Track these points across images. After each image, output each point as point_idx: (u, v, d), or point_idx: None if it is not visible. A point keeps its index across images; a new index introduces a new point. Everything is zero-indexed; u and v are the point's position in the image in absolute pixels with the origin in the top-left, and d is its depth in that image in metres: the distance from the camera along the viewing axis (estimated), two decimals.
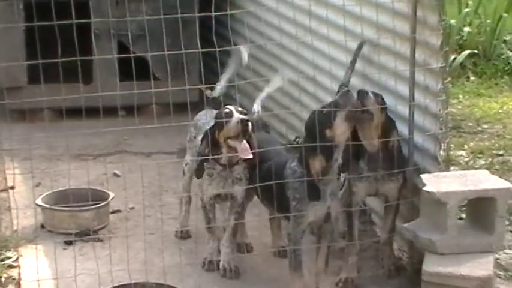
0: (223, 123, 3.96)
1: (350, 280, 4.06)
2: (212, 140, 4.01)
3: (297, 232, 3.82)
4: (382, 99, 4.02)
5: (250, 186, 4.00)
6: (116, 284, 3.77)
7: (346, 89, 4.12)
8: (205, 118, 4.42)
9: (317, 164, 3.72)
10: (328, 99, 5.04)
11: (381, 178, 4.01)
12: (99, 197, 4.71)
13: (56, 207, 4.65)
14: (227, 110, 4.05)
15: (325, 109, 3.78)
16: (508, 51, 7.71)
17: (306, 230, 3.88)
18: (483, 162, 5.56)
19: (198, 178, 4.13)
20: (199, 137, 4.24)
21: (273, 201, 3.93)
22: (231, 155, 3.98)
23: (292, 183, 3.79)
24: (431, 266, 3.67)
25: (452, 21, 7.71)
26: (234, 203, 4.17)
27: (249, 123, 3.97)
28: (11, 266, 4.25)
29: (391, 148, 3.97)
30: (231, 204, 4.19)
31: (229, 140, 3.98)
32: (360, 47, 4.51)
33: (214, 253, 4.20)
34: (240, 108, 4.07)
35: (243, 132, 3.95)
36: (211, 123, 4.11)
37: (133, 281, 3.81)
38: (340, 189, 4.16)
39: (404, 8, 4.15)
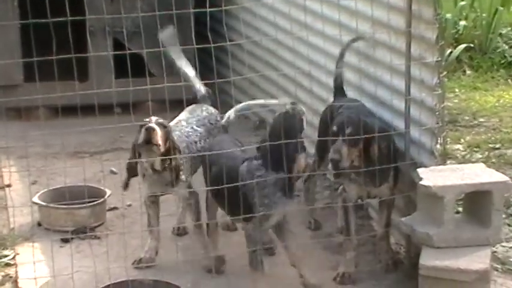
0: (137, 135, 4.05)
1: (347, 275, 4.07)
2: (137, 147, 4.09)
3: (257, 233, 3.81)
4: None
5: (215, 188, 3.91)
6: (113, 281, 3.77)
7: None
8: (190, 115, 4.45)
9: (302, 161, 3.72)
10: (324, 94, 5.05)
11: (371, 183, 4.01)
12: (96, 194, 4.70)
13: (53, 205, 4.64)
14: (142, 123, 4.11)
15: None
16: (504, 45, 7.71)
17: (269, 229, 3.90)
18: (480, 156, 5.57)
19: (129, 178, 4.18)
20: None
21: (225, 205, 3.88)
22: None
23: (259, 187, 3.74)
24: (429, 259, 3.67)
25: (448, 15, 7.71)
26: (183, 204, 4.29)
27: (156, 131, 4.01)
28: (8, 264, 4.25)
29: (373, 159, 3.94)
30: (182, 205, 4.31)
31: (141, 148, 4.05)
32: (352, 41, 4.51)
33: (150, 252, 4.19)
34: (160, 120, 4.11)
35: (147, 140, 4.00)
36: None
37: (131, 278, 3.81)
38: (336, 189, 4.20)
39: (399, 2, 4.15)
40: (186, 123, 4.40)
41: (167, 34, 4.59)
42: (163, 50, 4.44)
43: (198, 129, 4.41)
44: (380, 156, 3.95)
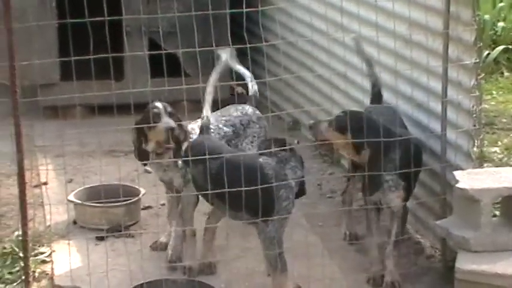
0: (151, 123, 4.08)
1: (397, 284, 3.99)
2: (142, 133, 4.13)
3: (281, 233, 3.74)
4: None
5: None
6: (147, 280, 3.79)
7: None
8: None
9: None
10: (359, 96, 5.02)
11: (365, 189, 3.99)
12: (131, 193, 4.73)
13: (88, 203, 4.68)
14: (156, 110, 4.13)
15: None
16: None
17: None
18: None
19: (140, 161, 4.26)
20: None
21: (240, 206, 3.73)
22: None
23: (286, 185, 3.70)
24: (465, 263, 3.63)
25: (486, 16, 7.62)
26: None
27: (175, 132, 4.10)
28: (44, 261, 4.29)
29: (363, 164, 3.92)
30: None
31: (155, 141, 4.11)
32: (357, 43, 4.51)
33: (174, 250, 4.19)
34: (169, 109, 4.16)
35: (167, 140, 4.08)
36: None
37: (164, 277, 3.82)
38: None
39: (437, 4, 4.11)
40: (213, 120, 4.39)
41: (228, 55, 4.56)
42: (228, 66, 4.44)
43: (225, 128, 4.40)
44: (373, 163, 3.87)
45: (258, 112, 4.56)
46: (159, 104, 4.18)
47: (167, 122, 4.12)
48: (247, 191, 3.65)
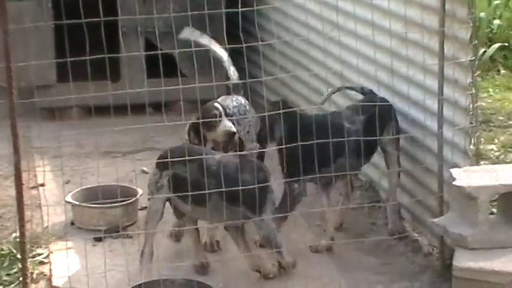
0: (213, 125, 4.10)
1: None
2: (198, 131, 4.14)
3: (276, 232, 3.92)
4: None
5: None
6: (145, 280, 3.79)
7: None
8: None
9: None
10: (357, 94, 5.02)
11: None
12: (128, 193, 4.73)
13: (86, 204, 4.68)
14: (216, 112, 4.15)
15: None
16: None
17: None
18: None
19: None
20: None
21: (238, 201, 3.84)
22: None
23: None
24: (462, 261, 3.63)
25: (482, 14, 7.62)
26: None
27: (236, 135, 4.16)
28: (42, 263, 4.29)
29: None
30: None
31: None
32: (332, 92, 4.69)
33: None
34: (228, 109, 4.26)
35: (227, 142, 4.14)
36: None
37: (163, 278, 3.82)
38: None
39: (432, 2, 4.11)
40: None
41: (187, 32, 4.59)
42: (195, 42, 4.48)
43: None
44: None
45: (247, 101, 4.58)
46: (218, 105, 4.20)
47: (229, 126, 4.13)
48: (245, 186, 3.76)
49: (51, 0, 6.17)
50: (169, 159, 3.85)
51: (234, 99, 4.57)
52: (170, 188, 3.90)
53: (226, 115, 4.19)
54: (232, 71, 4.65)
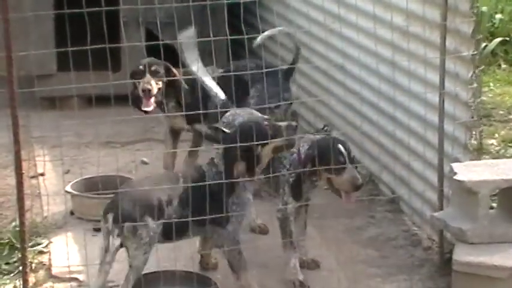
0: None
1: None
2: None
3: (238, 232, 3.75)
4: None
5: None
6: (145, 272, 3.78)
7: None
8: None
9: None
10: (357, 87, 5.01)
11: None
12: None
13: (85, 194, 4.68)
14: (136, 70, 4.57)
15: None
16: None
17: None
18: None
19: None
20: None
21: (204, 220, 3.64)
22: None
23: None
24: (462, 255, 3.63)
25: (484, 8, 7.60)
26: None
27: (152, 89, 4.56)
28: (41, 252, 4.29)
29: None
30: None
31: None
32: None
33: None
34: (153, 68, 4.63)
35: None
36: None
37: (163, 269, 3.82)
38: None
39: None
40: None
41: (186, 36, 4.53)
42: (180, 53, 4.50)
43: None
44: None
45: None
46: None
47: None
48: (203, 205, 3.60)
49: None
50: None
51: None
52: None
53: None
54: (218, 93, 4.43)
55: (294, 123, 3.81)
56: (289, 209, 3.95)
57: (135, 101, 4.71)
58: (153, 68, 4.69)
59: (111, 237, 3.56)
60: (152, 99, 4.66)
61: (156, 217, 3.59)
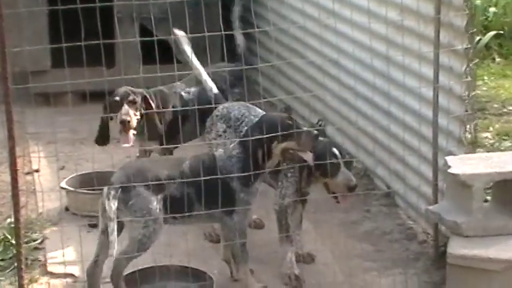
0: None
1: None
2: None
3: (246, 223, 3.74)
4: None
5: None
6: (141, 267, 3.79)
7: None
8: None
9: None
10: (351, 82, 5.02)
11: None
12: None
13: (80, 190, 4.68)
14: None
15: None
16: None
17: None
18: (509, 144, 5.51)
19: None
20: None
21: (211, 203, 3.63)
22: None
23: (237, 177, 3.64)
24: (457, 248, 3.64)
25: (478, 2, 7.61)
26: None
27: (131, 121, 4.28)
28: (36, 248, 4.29)
29: None
30: None
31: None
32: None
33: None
34: (131, 98, 4.29)
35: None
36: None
37: (158, 264, 3.83)
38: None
39: None
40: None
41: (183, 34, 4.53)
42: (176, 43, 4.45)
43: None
44: None
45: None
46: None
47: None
48: (210, 188, 3.59)
49: None
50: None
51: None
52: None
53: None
54: (211, 86, 4.45)
55: (314, 132, 3.73)
56: (287, 202, 3.96)
57: (102, 137, 4.40)
58: (130, 98, 4.34)
59: (107, 201, 3.50)
60: (131, 133, 4.33)
61: (152, 190, 3.55)
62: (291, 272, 3.94)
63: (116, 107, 4.31)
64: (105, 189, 3.56)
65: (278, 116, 3.80)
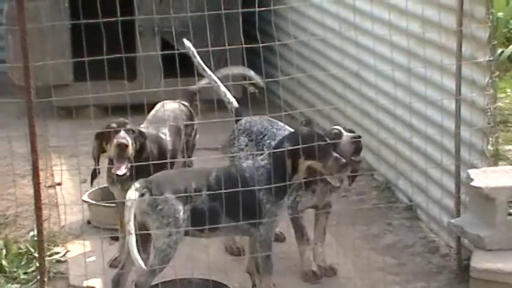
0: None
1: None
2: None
3: (272, 235, 3.71)
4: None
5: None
6: (163, 280, 3.79)
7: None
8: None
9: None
10: (372, 94, 5.00)
11: None
12: None
13: (102, 203, 4.70)
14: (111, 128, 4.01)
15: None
16: None
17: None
18: None
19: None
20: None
21: (237, 215, 3.59)
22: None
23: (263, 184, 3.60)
24: (480, 262, 3.61)
25: (500, 14, 7.57)
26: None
27: (128, 147, 4.00)
28: (59, 261, 4.31)
29: None
30: None
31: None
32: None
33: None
34: (129, 127, 4.05)
35: (120, 154, 3.97)
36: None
37: (179, 277, 3.83)
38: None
39: (450, 1, 4.09)
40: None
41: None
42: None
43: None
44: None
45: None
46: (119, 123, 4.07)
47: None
48: (237, 199, 3.55)
49: None
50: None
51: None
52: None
53: None
54: (231, 99, 4.40)
55: (343, 160, 3.66)
56: (300, 207, 4.03)
57: (95, 171, 4.17)
58: (128, 126, 4.08)
59: (132, 193, 3.47)
60: (126, 162, 4.00)
61: (180, 199, 3.54)
62: (308, 269, 4.06)
63: (111, 133, 4.07)
64: (132, 188, 3.56)
65: (313, 133, 3.76)
